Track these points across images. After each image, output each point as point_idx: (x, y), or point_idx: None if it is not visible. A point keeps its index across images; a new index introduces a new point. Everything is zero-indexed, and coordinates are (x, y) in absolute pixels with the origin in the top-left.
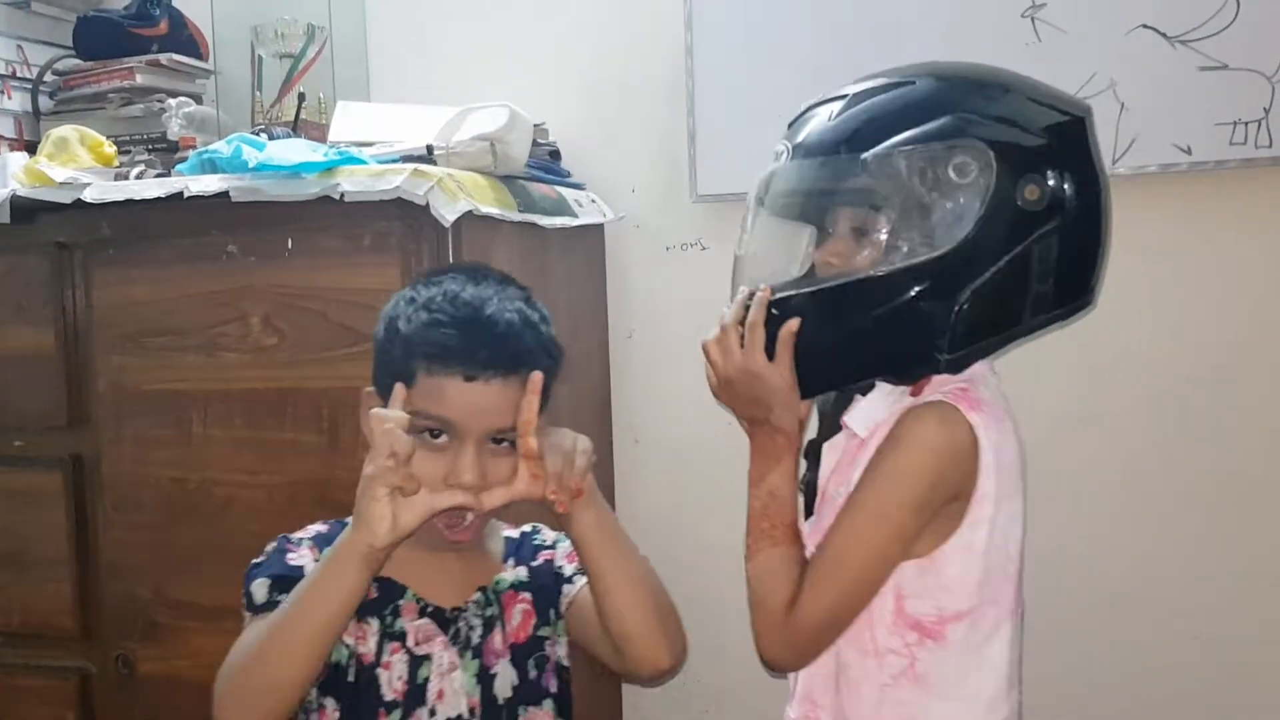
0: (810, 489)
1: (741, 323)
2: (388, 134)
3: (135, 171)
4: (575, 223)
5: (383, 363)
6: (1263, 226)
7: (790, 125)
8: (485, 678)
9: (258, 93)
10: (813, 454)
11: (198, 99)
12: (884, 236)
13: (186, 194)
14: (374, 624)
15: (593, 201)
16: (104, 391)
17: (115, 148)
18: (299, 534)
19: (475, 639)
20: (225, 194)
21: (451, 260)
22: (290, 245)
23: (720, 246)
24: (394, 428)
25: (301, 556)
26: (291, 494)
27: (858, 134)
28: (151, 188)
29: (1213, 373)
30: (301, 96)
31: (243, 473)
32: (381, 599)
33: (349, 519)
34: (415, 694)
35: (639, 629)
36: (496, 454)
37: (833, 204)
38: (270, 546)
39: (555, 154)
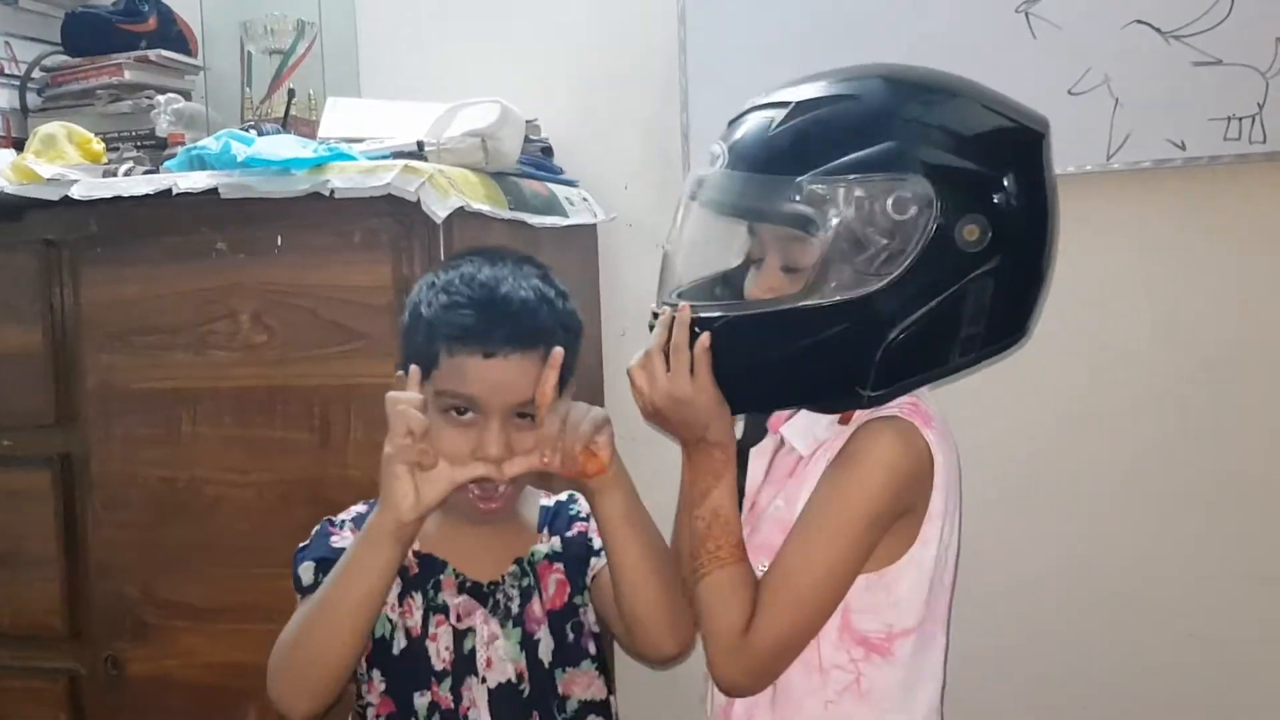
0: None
1: (666, 345)
2: (378, 130)
3: (124, 168)
4: (566, 223)
5: (408, 347)
6: (1257, 222)
7: (730, 123)
8: (529, 644)
9: (247, 89)
10: (739, 459)
11: (187, 95)
12: (812, 264)
13: (175, 191)
14: (418, 598)
15: (585, 200)
16: (93, 390)
17: (103, 144)
18: (341, 515)
19: (515, 609)
20: (214, 191)
21: (443, 258)
22: (280, 242)
23: None
24: (407, 407)
25: (344, 538)
26: (282, 493)
27: (795, 153)
28: (140, 184)
29: (1208, 369)
30: (291, 93)
31: (232, 471)
32: (423, 574)
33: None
34: (463, 663)
35: (648, 615)
36: (521, 428)
37: (762, 222)
38: (315, 530)
39: (547, 150)
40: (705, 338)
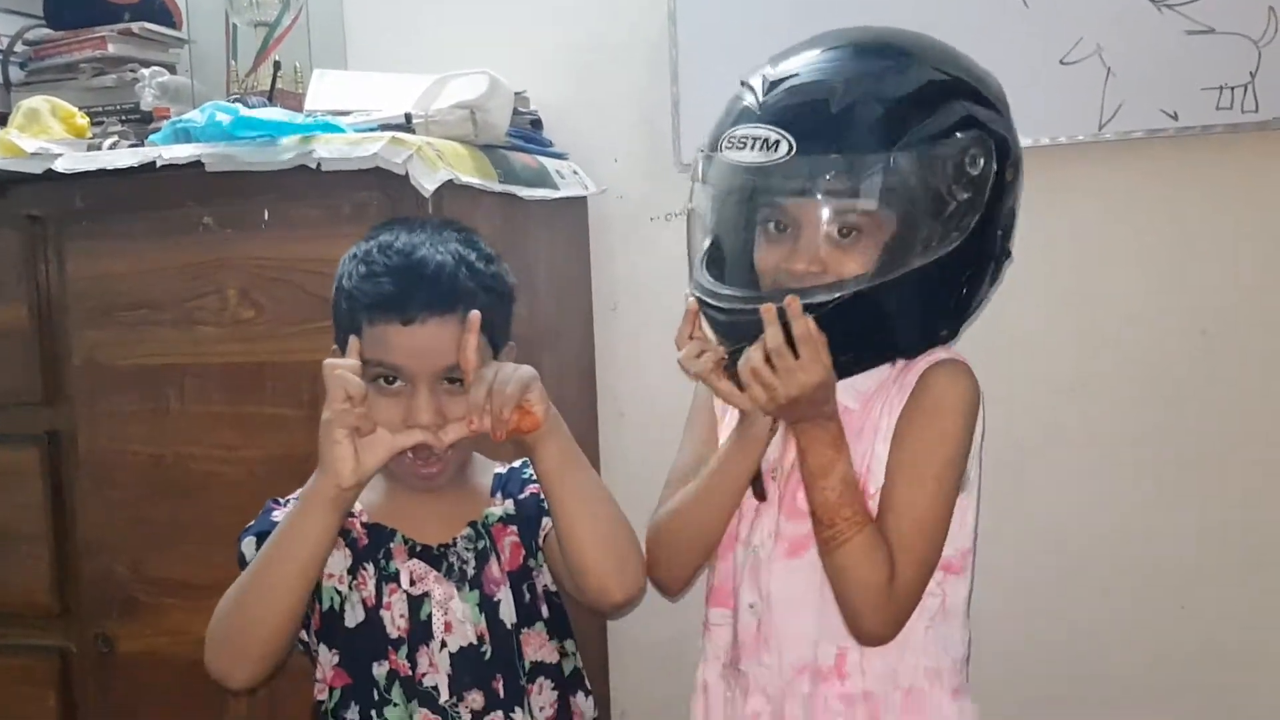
0: (758, 482)
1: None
2: (365, 102)
3: (108, 142)
4: (556, 195)
5: (336, 321)
6: (1250, 192)
7: (765, 107)
8: (489, 606)
9: (232, 62)
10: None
11: (171, 69)
12: (902, 230)
13: (160, 163)
14: (370, 569)
15: (575, 173)
16: (79, 367)
17: (88, 119)
18: (287, 496)
19: (470, 571)
20: (199, 164)
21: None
22: (267, 216)
23: None
24: (344, 372)
25: (285, 513)
26: (271, 469)
27: (872, 128)
28: (124, 157)
29: (1201, 338)
30: (277, 65)
31: (221, 448)
32: (374, 544)
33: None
34: (420, 629)
35: (593, 562)
36: (452, 393)
37: (852, 200)
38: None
39: (537, 123)
40: (810, 323)
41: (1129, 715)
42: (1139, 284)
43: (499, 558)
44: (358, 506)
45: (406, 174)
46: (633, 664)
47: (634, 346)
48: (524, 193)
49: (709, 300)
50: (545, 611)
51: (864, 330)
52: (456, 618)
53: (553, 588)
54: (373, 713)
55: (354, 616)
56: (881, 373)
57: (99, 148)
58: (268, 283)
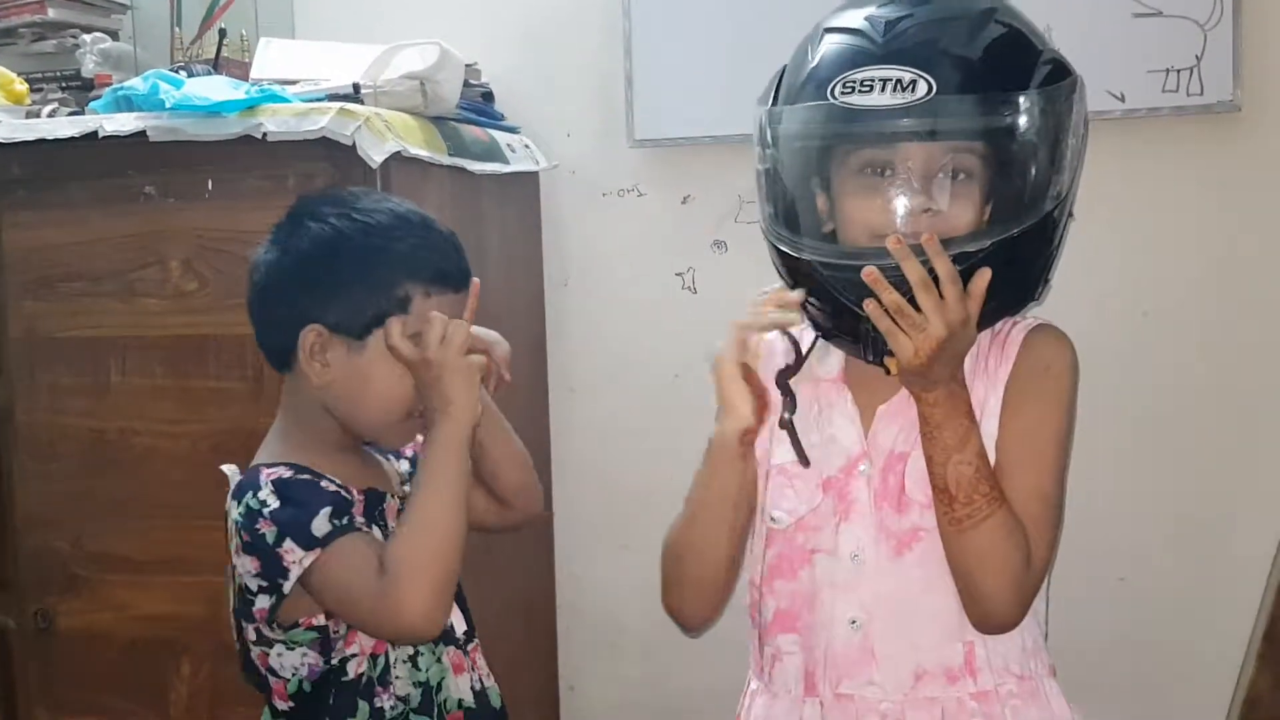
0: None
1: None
2: (313, 72)
3: (48, 110)
4: (507, 169)
5: (357, 294)
6: (1193, 174)
7: (889, 47)
8: None
9: (177, 29)
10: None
11: (114, 35)
12: (1017, 176)
13: (101, 134)
14: (377, 533)
15: (526, 147)
16: (17, 339)
17: (26, 85)
18: (275, 471)
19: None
20: (142, 134)
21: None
22: (211, 187)
23: (658, 193)
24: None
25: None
26: (215, 443)
27: (1012, 67)
28: (64, 127)
29: (1143, 318)
30: (222, 33)
31: (164, 422)
32: (369, 509)
33: (287, 462)
34: None
35: (520, 481)
36: None
37: (991, 140)
38: (269, 496)
39: (488, 96)
40: (985, 273)
41: (1067, 687)
42: (1082, 264)
43: None
44: (336, 484)
45: (354, 145)
46: (580, 640)
47: (585, 322)
48: (474, 166)
49: (830, 260)
50: None
51: (999, 281)
52: None
53: None
54: (409, 666)
55: None
56: (975, 345)
57: (38, 115)
58: (211, 254)
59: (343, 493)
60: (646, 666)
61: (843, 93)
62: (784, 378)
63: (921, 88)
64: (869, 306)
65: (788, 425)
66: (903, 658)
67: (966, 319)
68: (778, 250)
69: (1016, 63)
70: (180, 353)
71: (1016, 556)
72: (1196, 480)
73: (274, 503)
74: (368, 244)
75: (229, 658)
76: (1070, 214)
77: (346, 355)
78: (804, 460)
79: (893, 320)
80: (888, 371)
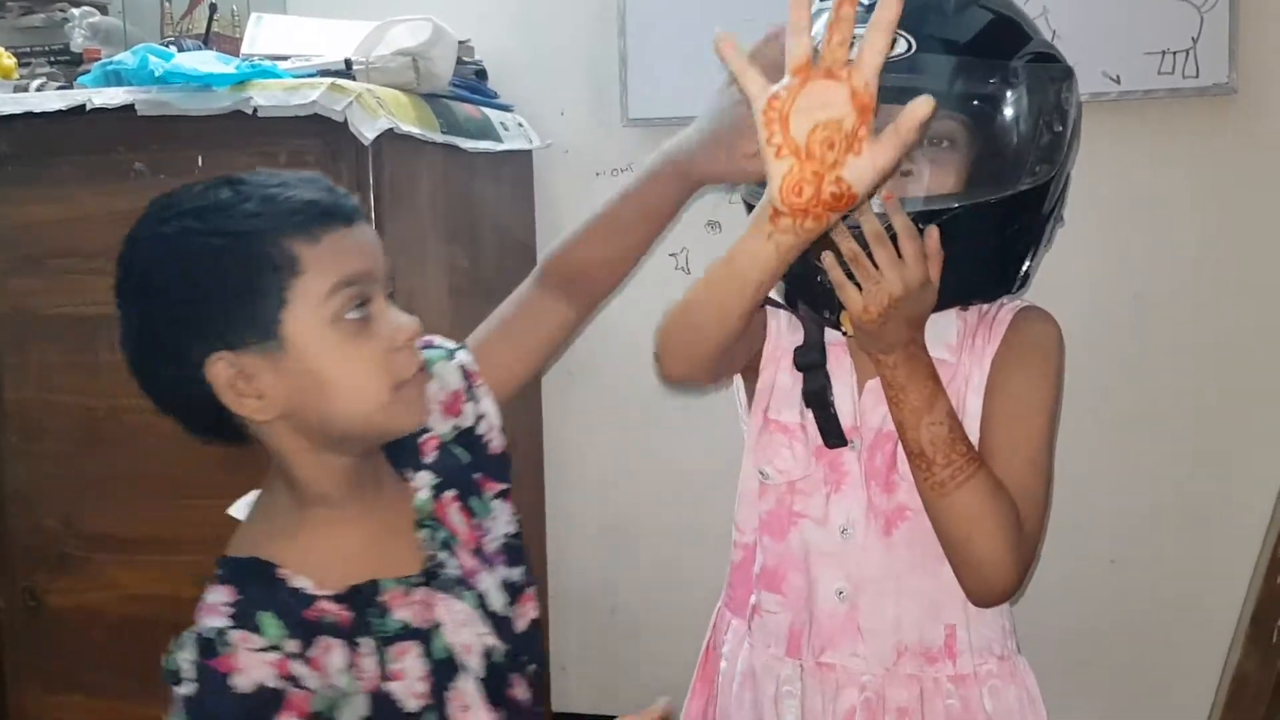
0: (833, 424)
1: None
2: (304, 48)
3: (36, 84)
4: (500, 148)
5: (232, 287)
6: (1188, 156)
7: (868, 8)
8: (480, 601)
9: (167, 4)
10: (820, 385)
11: (103, 9)
12: (998, 149)
13: (90, 107)
14: (367, 644)
15: (519, 125)
16: (6, 315)
17: (15, 59)
18: (205, 622)
19: (453, 569)
20: (131, 108)
21: (373, 182)
22: (201, 163)
23: None
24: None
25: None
26: None
27: (997, 35)
28: (53, 100)
29: (1136, 300)
30: (213, 8)
31: None
32: (359, 614)
33: (243, 566)
34: (443, 673)
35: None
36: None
37: (967, 106)
38: (189, 667)
39: (481, 73)
40: (935, 231)
41: (1058, 669)
42: (1077, 245)
43: (458, 538)
44: (306, 584)
45: (346, 121)
46: (572, 622)
47: None
48: (467, 144)
49: None
50: (508, 561)
51: (962, 254)
52: (475, 631)
53: (511, 528)
54: None
55: (353, 713)
56: (962, 323)
57: (26, 89)
58: None
59: (269, 684)
60: (638, 648)
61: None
62: (803, 357)
63: (901, 45)
64: (825, 258)
65: (824, 405)
66: (886, 633)
67: (925, 280)
68: (747, 206)
69: (1003, 37)
70: None
71: (1010, 515)
72: (1187, 463)
73: (188, 683)
74: (211, 228)
75: None
76: (1060, 216)
77: (273, 367)
78: (836, 440)
79: (846, 274)
80: (844, 333)
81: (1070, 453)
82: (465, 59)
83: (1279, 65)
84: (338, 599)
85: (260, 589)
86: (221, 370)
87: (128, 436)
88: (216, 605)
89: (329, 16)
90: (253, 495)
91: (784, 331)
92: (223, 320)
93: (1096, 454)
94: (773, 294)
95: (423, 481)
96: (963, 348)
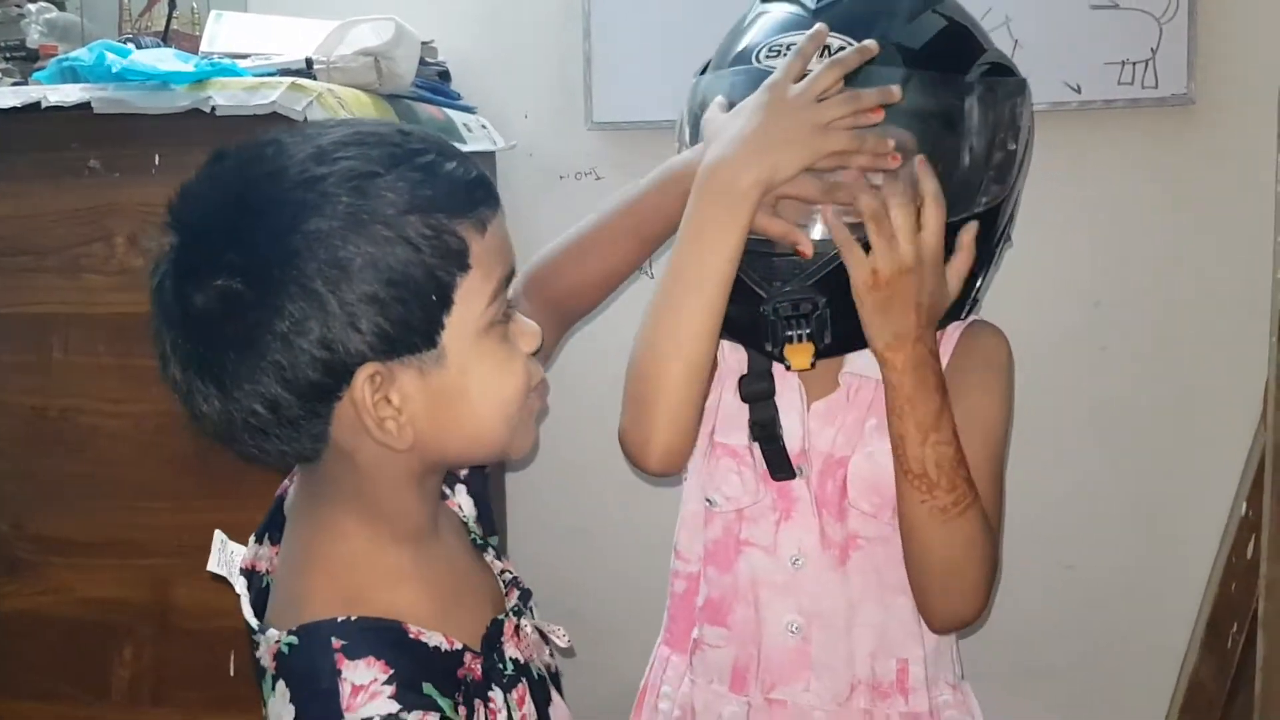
0: (781, 457)
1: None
2: (265, 46)
3: None
4: (464, 149)
5: (400, 279)
6: (1146, 166)
7: (823, 14)
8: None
9: (125, 0)
10: (768, 412)
11: (60, 5)
12: (948, 166)
13: (45, 104)
14: (498, 695)
15: (483, 127)
16: None
17: None
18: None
19: (515, 596)
20: (87, 106)
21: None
22: (158, 161)
23: (616, 176)
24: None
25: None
26: (160, 424)
27: (950, 47)
28: (6, 97)
29: (1094, 309)
30: (173, 5)
31: (107, 401)
32: (488, 659)
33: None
34: (539, 694)
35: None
36: None
37: (918, 120)
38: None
39: (445, 75)
40: (973, 226)
41: (1014, 676)
42: (1035, 255)
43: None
44: (439, 640)
45: (306, 121)
46: None
47: None
48: None
49: (755, 247)
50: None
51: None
52: (543, 650)
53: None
54: None
55: None
56: None
57: None
58: (158, 230)
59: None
60: (598, 653)
61: (767, 56)
62: (749, 386)
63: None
64: (826, 212)
65: (773, 438)
66: (839, 668)
67: (939, 261)
68: None
69: (956, 49)
70: (125, 331)
71: (993, 550)
72: (1145, 471)
73: None
74: (373, 205)
75: (172, 642)
76: (1009, 236)
77: (421, 382)
78: (786, 473)
79: (849, 233)
80: (787, 366)
81: (1028, 459)
82: (429, 60)
83: (1236, 76)
84: (475, 650)
85: (404, 656)
86: (368, 387)
87: (80, 439)
88: (369, 685)
89: (290, 15)
90: (237, 547)
91: (728, 353)
92: (378, 319)
93: (1054, 460)
94: None
95: (461, 497)
96: None
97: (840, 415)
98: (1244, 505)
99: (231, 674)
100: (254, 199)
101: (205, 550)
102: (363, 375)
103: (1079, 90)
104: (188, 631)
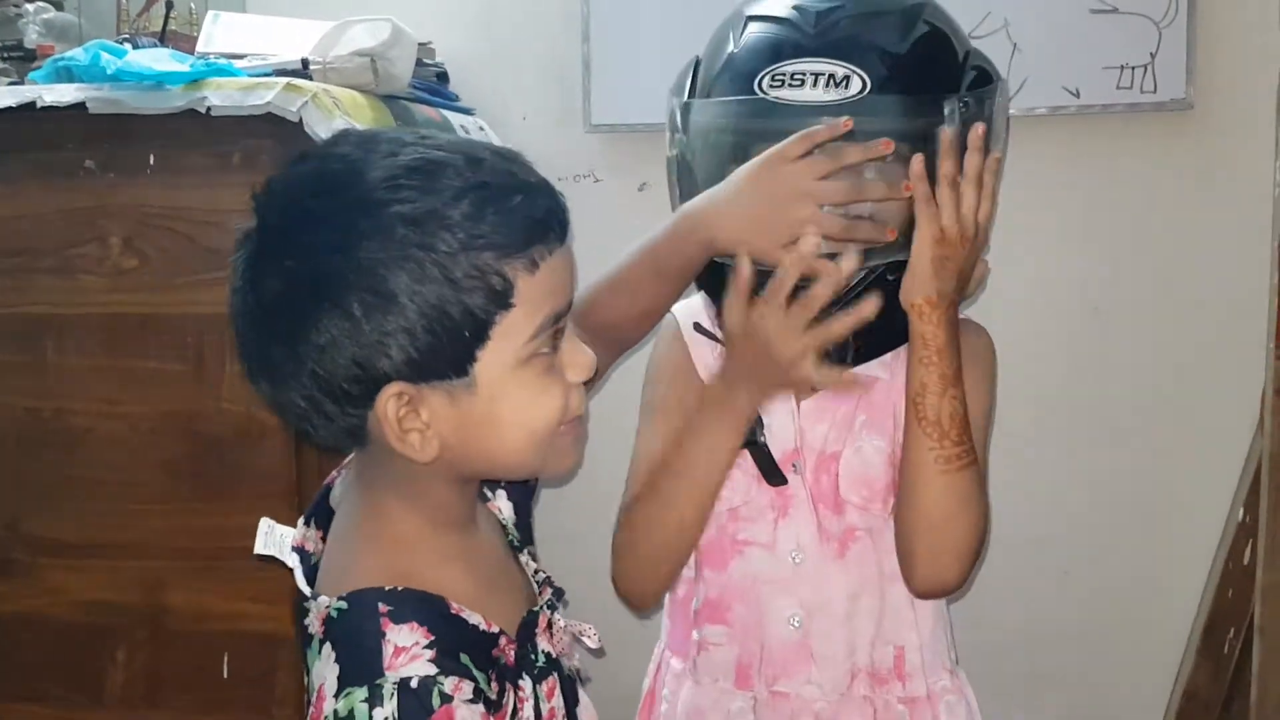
0: (769, 461)
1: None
2: (261, 47)
3: None
4: None
5: (434, 313)
6: (1145, 170)
7: (822, 40)
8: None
9: (123, 0)
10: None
11: (58, 5)
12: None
13: (40, 104)
14: (527, 683)
15: (481, 129)
16: None
17: None
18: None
19: (549, 593)
20: (82, 106)
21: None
22: (153, 162)
23: (614, 179)
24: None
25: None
26: (154, 425)
27: (944, 67)
28: (2, 96)
29: (1094, 313)
30: (170, 5)
31: (102, 402)
32: (520, 650)
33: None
34: (569, 692)
35: None
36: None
37: (919, 144)
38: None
39: (442, 76)
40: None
41: (1010, 681)
42: (1033, 260)
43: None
44: (478, 620)
45: (301, 122)
46: None
47: None
48: None
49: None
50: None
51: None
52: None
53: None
54: None
55: None
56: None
57: None
58: (153, 231)
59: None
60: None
61: (772, 85)
62: None
63: (855, 84)
64: (915, 164)
65: (759, 446)
66: (839, 658)
67: (986, 242)
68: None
69: (945, 63)
70: (119, 332)
71: (986, 514)
72: (1142, 476)
73: None
74: (427, 239)
75: (166, 644)
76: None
77: (451, 405)
78: (779, 480)
79: (929, 188)
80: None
81: (1025, 464)
82: (426, 61)
83: (1235, 81)
84: (510, 637)
85: (446, 626)
86: (392, 403)
87: (74, 440)
88: (410, 648)
89: (287, 15)
90: (286, 529)
91: (710, 362)
92: (410, 346)
93: (1051, 466)
94: (704, 323)
95: (501, 501)
96: (896, 363)
97: (830, 411)
98: (1241, 511)
99: (225, 677)
100: (318, 209)
101: (199, 552)
102: (388, 392)
103: (1078, 94)
104: (182, 634)
